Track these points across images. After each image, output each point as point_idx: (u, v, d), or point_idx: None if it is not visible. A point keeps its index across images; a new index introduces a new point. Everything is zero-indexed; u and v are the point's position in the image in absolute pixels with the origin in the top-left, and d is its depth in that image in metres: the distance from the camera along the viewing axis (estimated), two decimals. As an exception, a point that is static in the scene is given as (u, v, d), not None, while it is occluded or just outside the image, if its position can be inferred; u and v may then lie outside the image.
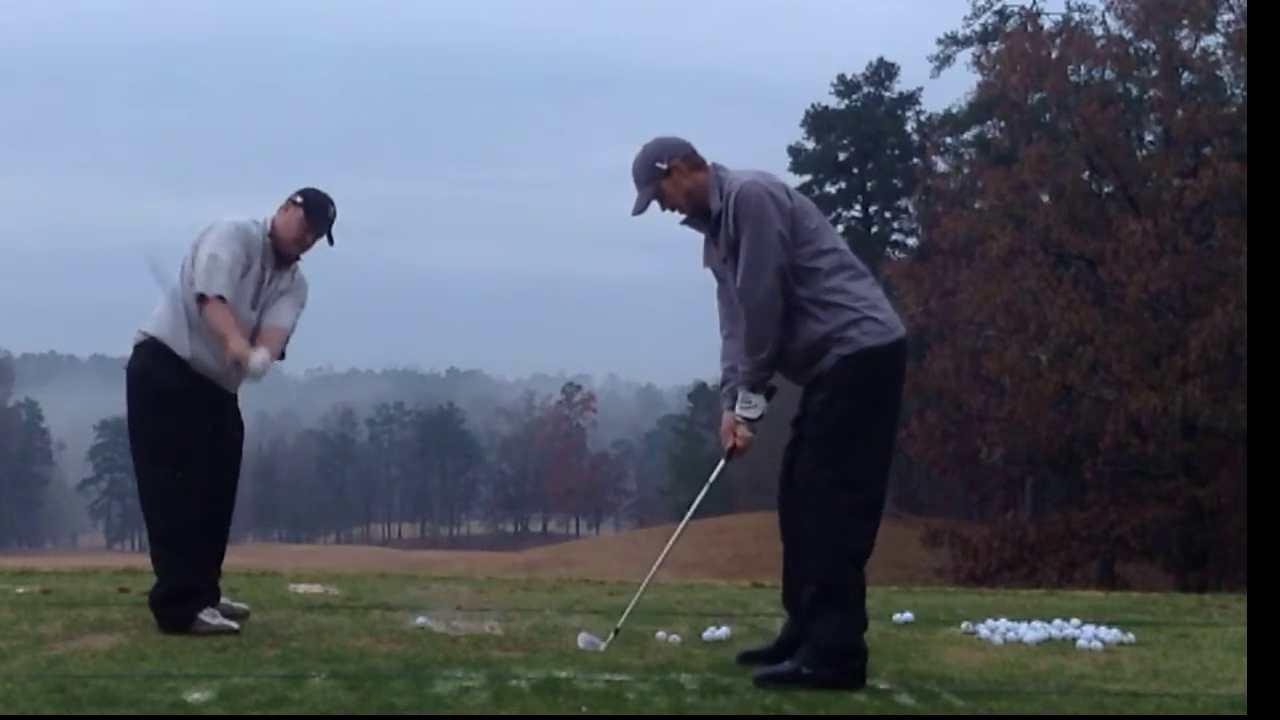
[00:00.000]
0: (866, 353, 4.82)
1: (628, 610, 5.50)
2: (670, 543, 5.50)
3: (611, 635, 5.37)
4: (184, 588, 5.50)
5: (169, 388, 5.51)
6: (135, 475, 5.67)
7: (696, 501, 5.83)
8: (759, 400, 4.97)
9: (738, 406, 5.00)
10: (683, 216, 5.08)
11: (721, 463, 5.31)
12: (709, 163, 5.02)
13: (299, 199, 5.70)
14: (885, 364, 4.89)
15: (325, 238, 5.77)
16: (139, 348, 5.61)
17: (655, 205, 5.02)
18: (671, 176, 4.95)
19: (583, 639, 5.42)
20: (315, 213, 5.69)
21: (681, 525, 5.68)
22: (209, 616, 5.48)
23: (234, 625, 5.51)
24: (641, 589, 5.66)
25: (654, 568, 5.63)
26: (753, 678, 4.81)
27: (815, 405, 4.89)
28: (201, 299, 5.44)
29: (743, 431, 5.02)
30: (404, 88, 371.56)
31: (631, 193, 5.02)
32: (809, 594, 4.84)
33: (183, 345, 5.51)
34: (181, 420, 5.50)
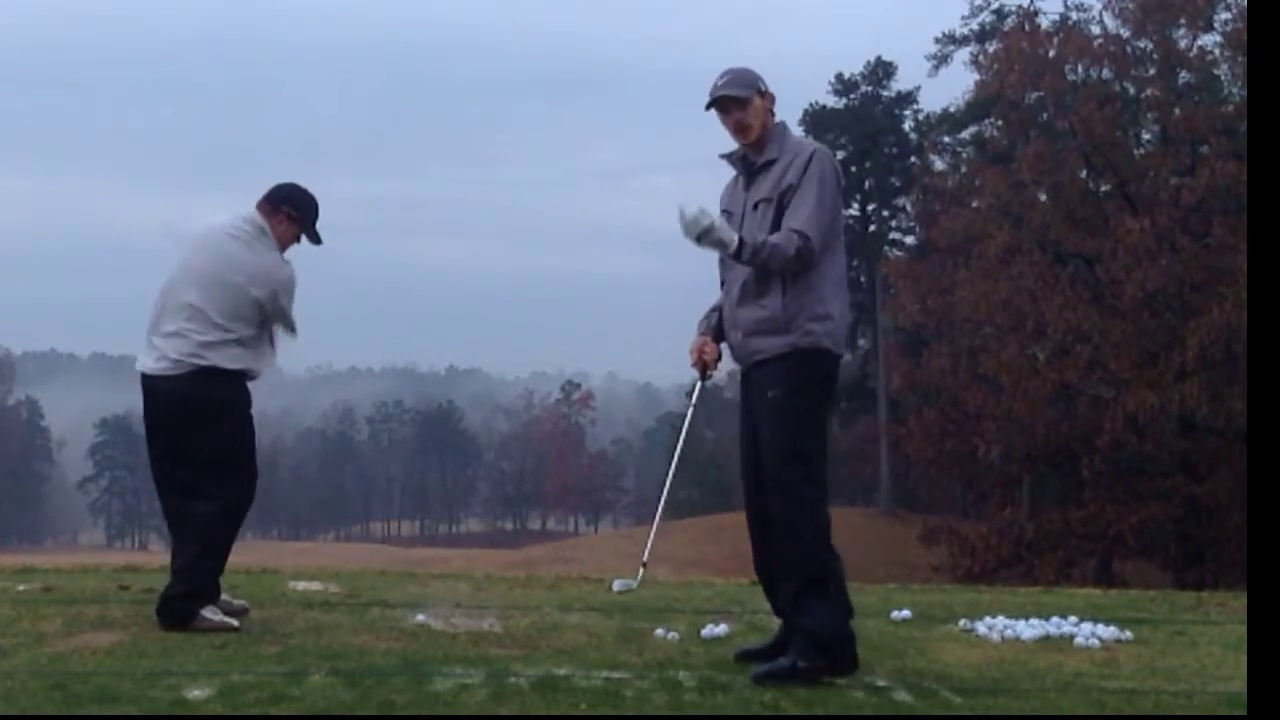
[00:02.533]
0: (818, 351, 4.91)
1: (649, 545, 5.52)
2: (671, 470, 5.71)
3: (641, 571, 5.38)
4: (206, 587, 5.58)
5: (240, 399, 5.81)
6: (224, 490, 5.67)
7: (685, 427, 5.92)
8: (726, 238, 4.84)
9: (717, 224, 4.86)
10: (728, 150, 5.15)
11: (698, 384, 5.36)
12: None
13: (294, 214, 5.86)
14: (829, 367, 5.00)
15: (311, 239, 5.98)
16: (229, 375, 5.70)
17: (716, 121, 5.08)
18: (765, 100, 5.06)
19: (617, 584, 5.45)
20: (309, 223, 5.92)
21: (676, 454, 5.88)
22: (211, 613, 5.50)
23: (234, 623, 5.53)
24: (656, 518, 5.69)
25: (662, 497, 5.74)
26: (751, 676, 4.83)
27: (768, 402, 4.94)
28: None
29: (710, 349, 5.16)
30: (399, 87, 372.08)
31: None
32: (790, 590, 4.90)
33: (247, 366, 5.80)
34: (249, 426, 5.86)
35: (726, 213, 5.15)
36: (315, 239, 5.95)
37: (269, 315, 5.78)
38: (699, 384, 5.36)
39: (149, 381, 5.69)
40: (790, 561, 4.90)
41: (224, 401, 5.69)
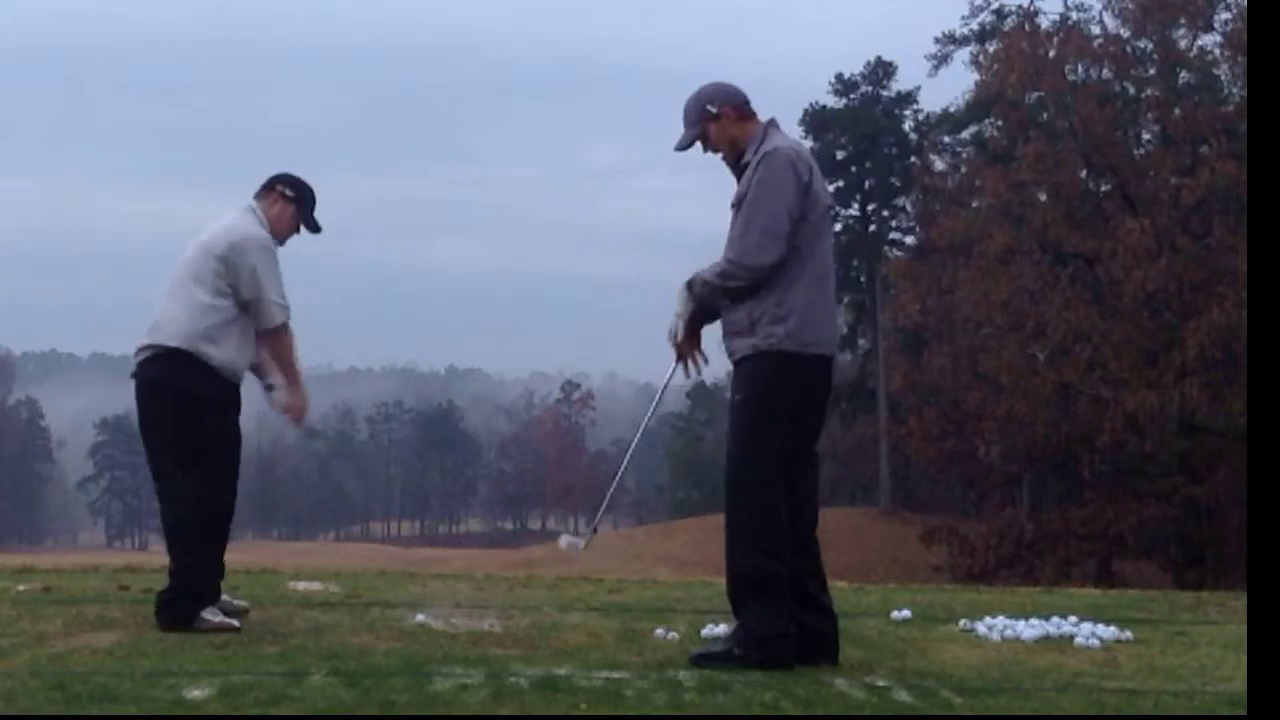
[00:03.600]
0: (779, 354, 4.93)
1: (603, 506, 5.60)
2: (647, 417, 5.86)
3: (591, 534, 5.46)
4: (196, 588, 5.51)
5: (204, 392, 5.55)
6: (160, 478, 5.62)
7: (652, 408, 5.97)
8: (686, 300, 5.05)
9: (678, 302, 5.08)
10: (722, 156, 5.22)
11: (671, 367, 5.38)
12: (766, 120, 5.16)
13: (289, 192, 5.76)
14: (798, 372, 4.99)
15: (309, 226, 5.87)
16: (162, 358, 5.55)
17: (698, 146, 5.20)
18: (719, 121, 5.11)
19: (564, 540, 5.49)
20: (307, 206, 5.81)
21: (644, 423, 5.99)
22: (210, 614, 5.48)
23: (234, 623, 5.51)
24: (617, 478, 5.78)
25: (632, 443, 5.85)
26: (690, 657, 5.04)
27: (734, 404, 5.07)
28: (281, 326, 5.64)
29: (676, 327, 5.16)
30: (398, 87, 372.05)
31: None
32: (731, 585, 5.05)
33: (210, 354, 5.53)
34: (223, 423, 5.61)
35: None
36: (313, 226, 5.81)
37: (241, 283, 5.50)
38: (671, 369, 5.40)
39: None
40: (735, 561, 5.02)
41: (185, 388, 5.51)
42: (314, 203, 5.83)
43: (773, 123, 5.16)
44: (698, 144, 5.17)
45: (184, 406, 5.53)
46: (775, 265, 4.90)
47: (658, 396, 5.85)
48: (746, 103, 5.15)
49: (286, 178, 5.81)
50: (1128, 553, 32.84)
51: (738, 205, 5.03)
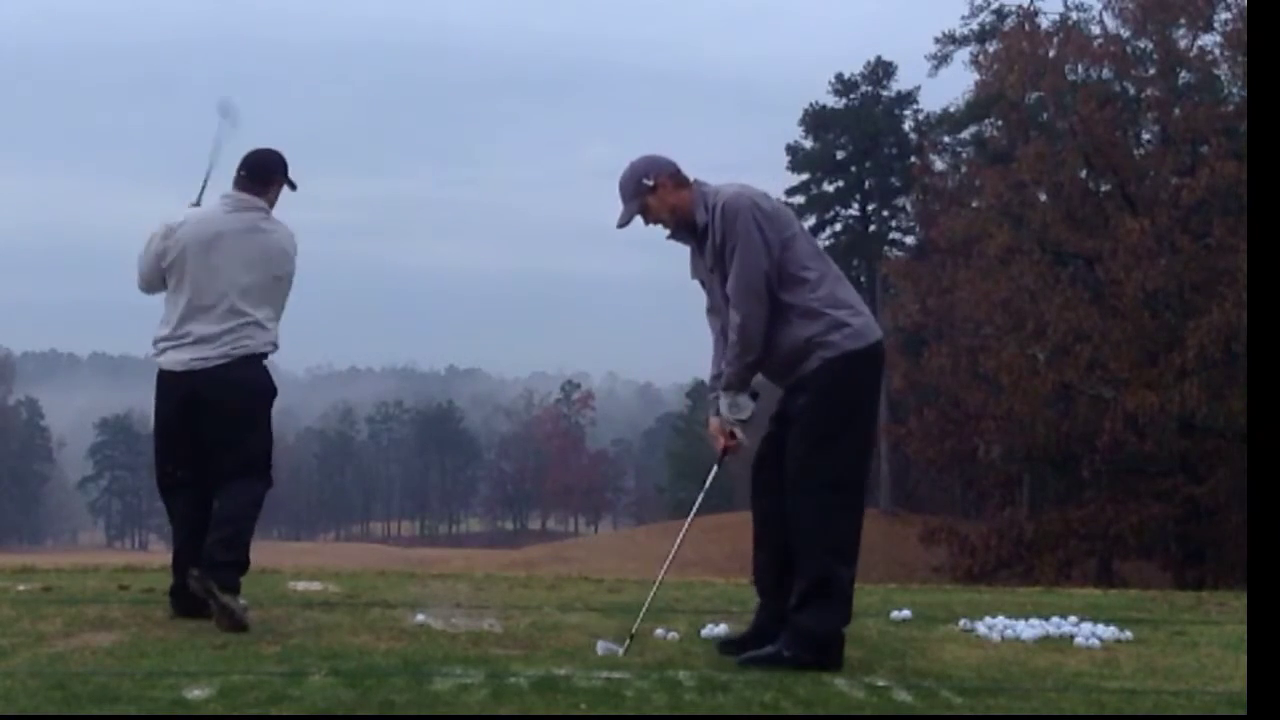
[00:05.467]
0: (847, 356, 5.00)
1: (641, 614, 5.51)
2: (675, 547, 5.62)
3: (628, 641, 5.34)
4: (248, 563, 5.73)
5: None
6: (261, 477, 5.80)
7: (695, 506, 6.02)
8: (745, 402, 5.13)
9: (726, 409, 5.15)
10: (668, 231, 5.23)
11: (715, 467, 5.44)
12: (692, 179, 5.20)
13: (282, 179, 5.95)
14: (865, 366, 5.08)
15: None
16: (265, 362, 5.89)
17: (639, 220, 5.21)
18: (656, 193, 5.13)
19: (601, 646, 5.37)
20: (287, 177, 6.00)
21: (683, 529, 5.84)
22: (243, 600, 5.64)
23: (248, 620, 5.54)
24: (652, 592, 5.70)
25: (662, 570, 5.71)
26: (737, 661, 5.02)
27: (799, 407, 5.06)
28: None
29: (738, 433, 5.18)
30: (395, 86, 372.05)
31: (618, 205, 5.20)
32: (799, 587, 5.02)
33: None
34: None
35: (701, 282, 5.28)
36: (293, 185, 6.02)
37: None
38: (716, 468, 5.41)
39: (192, 378, 5.67)
40: (801, 564, 5.02)
41: (268, 388, 5.85)
42: (256, 164, 5.93)
43: (700, 182, 5.18)
44: (639, 221, 5.18)
45: (268, 404, 5.99)
46: (763, 316, 4.96)
47: (701, 492, 5.91)
48: (679, 171, 5.18)
49: (273, 166, 5.98)
50: (1128, 552, 32.80)
51: (717, 267, 5.06)
